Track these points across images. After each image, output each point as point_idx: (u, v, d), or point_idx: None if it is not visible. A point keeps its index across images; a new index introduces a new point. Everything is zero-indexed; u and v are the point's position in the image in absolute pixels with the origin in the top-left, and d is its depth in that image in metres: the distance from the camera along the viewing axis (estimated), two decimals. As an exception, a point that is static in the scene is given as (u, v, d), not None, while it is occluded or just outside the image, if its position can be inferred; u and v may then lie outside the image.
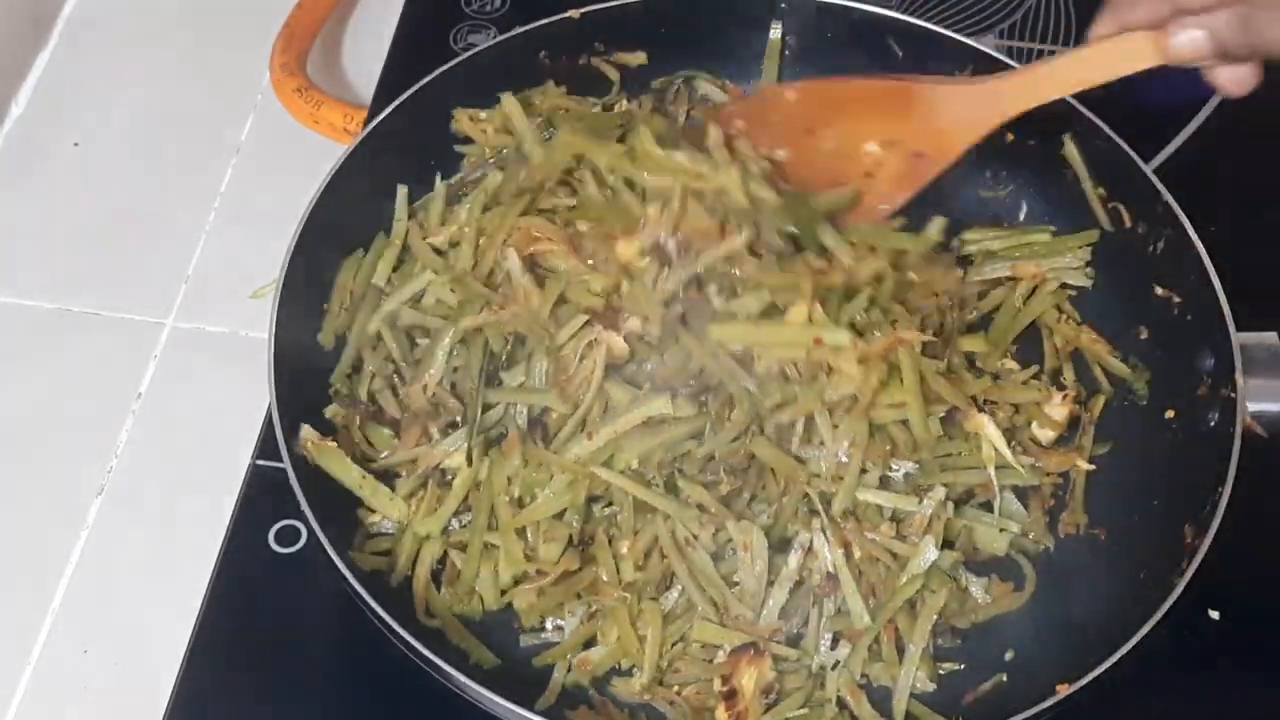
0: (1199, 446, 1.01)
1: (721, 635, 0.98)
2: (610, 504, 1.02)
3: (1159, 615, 0.90)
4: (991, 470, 1.03)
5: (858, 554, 1.00)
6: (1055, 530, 1.06)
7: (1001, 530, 1.03)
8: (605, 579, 1.00)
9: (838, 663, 0.98)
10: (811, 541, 1.00)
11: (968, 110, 1.05)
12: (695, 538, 1.00)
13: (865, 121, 1.09)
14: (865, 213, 1.10)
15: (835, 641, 0.99)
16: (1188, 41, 0.91)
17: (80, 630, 1.09)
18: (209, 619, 1.04)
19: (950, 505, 1.02)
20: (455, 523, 1.03)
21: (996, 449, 1.03)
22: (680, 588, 1.00)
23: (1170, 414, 1.06)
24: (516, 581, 1.00)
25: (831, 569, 1.00)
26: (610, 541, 1.01)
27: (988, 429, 1.03)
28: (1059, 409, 1.08)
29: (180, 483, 1.16)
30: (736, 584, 1.00)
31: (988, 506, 1.05)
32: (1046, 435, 1.08)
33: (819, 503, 1.01)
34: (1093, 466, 1.07)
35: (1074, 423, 1.09)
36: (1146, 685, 0.99)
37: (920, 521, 1.01)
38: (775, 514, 1.02)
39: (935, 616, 0.99)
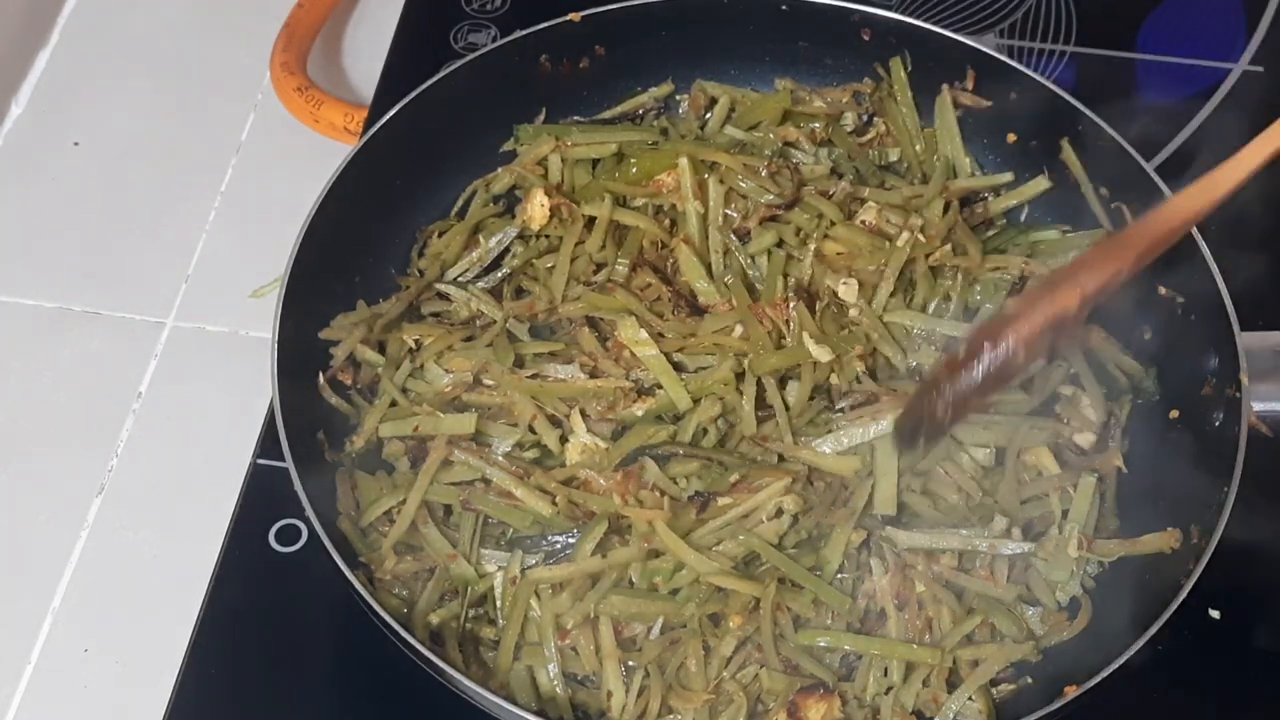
0: (1204, 446, 1.01)
1: (791, 683, 0.95)
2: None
3: (1166, 616, 0.90)
4: (1055, 498, 1.02)
5: (920, 588, 0.98)
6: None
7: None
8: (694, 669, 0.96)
9: (890, 689, 0.96)
10: (872, 569, 0.99)
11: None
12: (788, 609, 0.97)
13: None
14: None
15: (885, 670, 0.97)
16: None
17: (80, 630, 1.09)
18: (209, 619, 1.04)
19: (1018, 531, 1.00)
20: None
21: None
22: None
23: (1175, 414, 1.06)
24: None
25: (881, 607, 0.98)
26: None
27: (1045, 459, 1.04)
28: (1089, 410, 1.07)
29: (180, 482, 1.16)
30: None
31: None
32: (1087, 439, 1.07)
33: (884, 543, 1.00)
34: (1125, 469, 1.06)
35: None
36: (1147, 685, 0.99)
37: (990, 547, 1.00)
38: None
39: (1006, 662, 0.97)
